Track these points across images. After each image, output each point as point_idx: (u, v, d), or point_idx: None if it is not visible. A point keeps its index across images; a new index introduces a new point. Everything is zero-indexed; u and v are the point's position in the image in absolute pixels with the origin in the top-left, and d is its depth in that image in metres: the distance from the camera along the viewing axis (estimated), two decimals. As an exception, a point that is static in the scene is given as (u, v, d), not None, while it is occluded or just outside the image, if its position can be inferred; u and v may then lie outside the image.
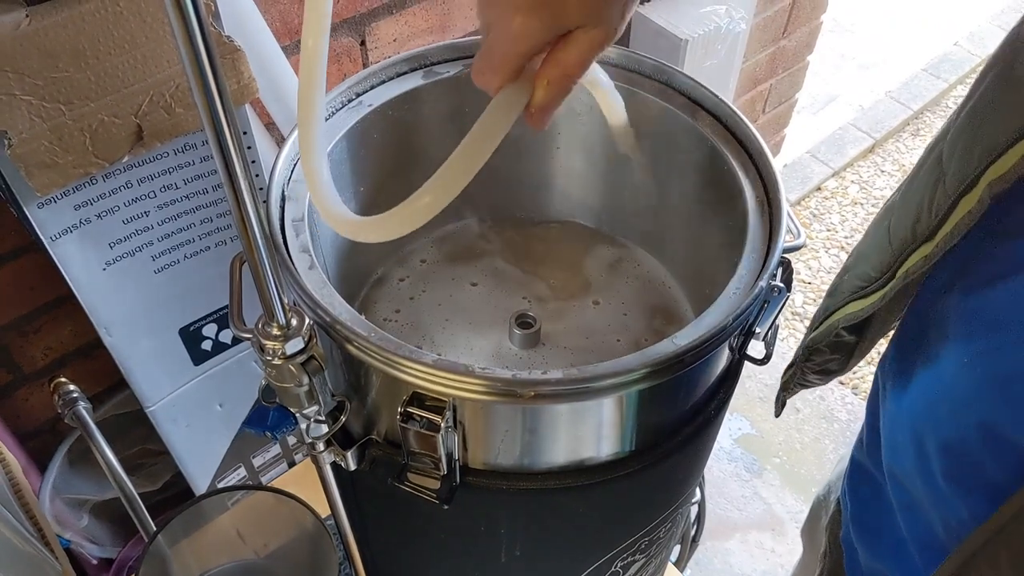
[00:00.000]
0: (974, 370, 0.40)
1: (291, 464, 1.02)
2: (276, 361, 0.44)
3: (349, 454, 0.51)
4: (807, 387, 0.64)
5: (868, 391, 0.61)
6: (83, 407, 0.69)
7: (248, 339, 0.45)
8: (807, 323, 1.79)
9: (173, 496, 0.98)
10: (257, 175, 0.71)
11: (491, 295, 0.69)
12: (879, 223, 0.53)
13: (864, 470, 0.58)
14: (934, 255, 0.44)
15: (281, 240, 0.52)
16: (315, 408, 0.48)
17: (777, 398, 0.68)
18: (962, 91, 2.44)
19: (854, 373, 1.68)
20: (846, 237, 2.00)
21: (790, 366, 0.64)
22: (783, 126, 1.71)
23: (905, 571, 0.51)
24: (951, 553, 0.40)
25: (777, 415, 0.67)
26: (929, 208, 0.45)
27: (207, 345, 0.81)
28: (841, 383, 1.65)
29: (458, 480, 0.50)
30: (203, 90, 0.31)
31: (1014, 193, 0.39)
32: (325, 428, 0.50)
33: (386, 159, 0.65)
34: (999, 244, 0.41)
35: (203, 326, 0.80)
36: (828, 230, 2.02)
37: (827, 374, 0.62)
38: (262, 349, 0.44)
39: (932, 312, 0.46)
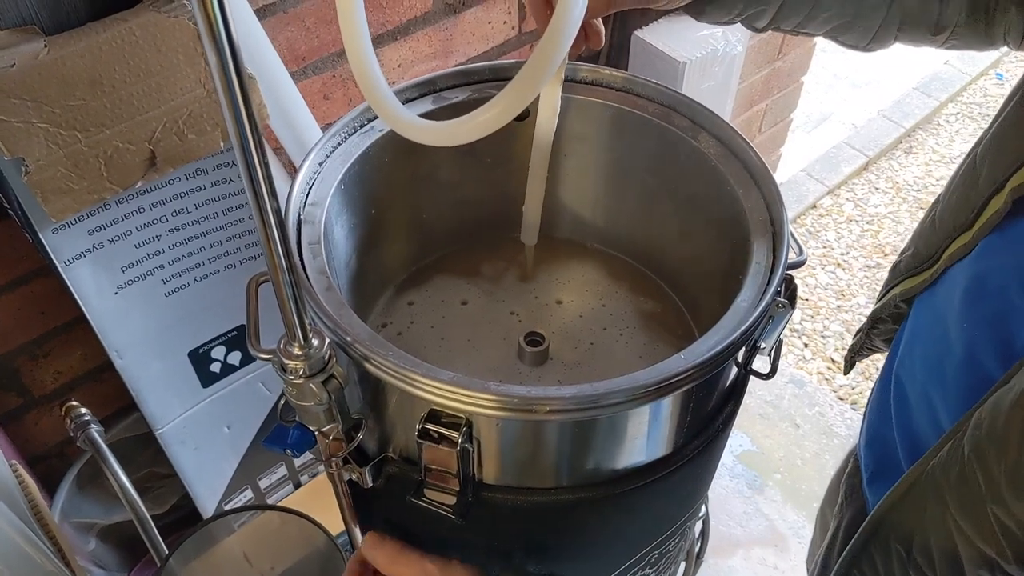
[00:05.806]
0: None
1: (297, 485, 1.02)
2: (297, 380, 0.44)
3: (366, 471, 0.52)
4: (875, 352, 0.74)
5: (866, 406, 0.71)
6: (95, 430, 0.70)
7: (267, 359, 0.46)
8: (804, 340, 1.81)
9: (179, 519, 0.99)
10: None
11: (485, 314, 0.70)
12: (929, 213, 0.61)
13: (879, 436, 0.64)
14: (972, 243, 0.52)
15: (299, 262, 0.53)
16: (334, 426, 0.49)
17: (846, 359, 0.78)
18: (953, 109, 2.48)
19: (852, 388, 1.70)
20: (842, 254, 2.02)
21: (857, 333, 0.74)
22: (779, 145, 1.73)
23: None
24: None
25: (845, 373, 0.79)
26: (966, 203, 0.53)
27: (216, 367, 0.82)
28: (840, 399, 1.66)
29: (473, 496, 0.50)
30: (234, 116, 0.32)
31: None
32: (343, 446, 0.51)
33: (396, 182, 0.66)
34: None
35: (212, 348, 0.80)
36: (824, 247, 2.03)
37: (889, 341, 0.70)
38: (284, 368, 0.44)
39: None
